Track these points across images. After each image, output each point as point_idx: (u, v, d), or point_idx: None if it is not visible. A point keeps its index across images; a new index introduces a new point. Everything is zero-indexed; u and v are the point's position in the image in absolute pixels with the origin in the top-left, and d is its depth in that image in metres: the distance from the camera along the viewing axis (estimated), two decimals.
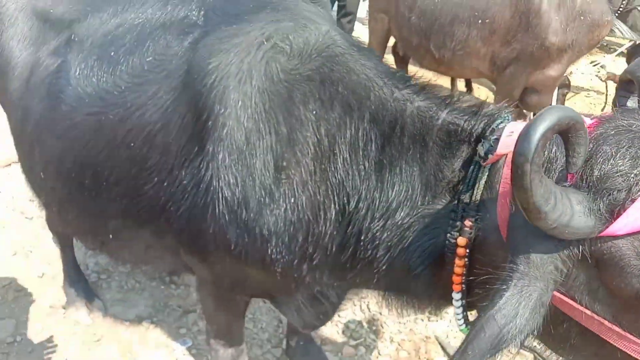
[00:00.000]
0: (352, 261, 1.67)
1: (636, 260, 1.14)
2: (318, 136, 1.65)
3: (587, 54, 4.53)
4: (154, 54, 1.93)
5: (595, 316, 1.22)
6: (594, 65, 7.71)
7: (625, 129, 1.21)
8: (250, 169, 1.71)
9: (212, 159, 1.74)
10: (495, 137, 1.39)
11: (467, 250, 1.39)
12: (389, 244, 1.54)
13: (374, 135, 1.56)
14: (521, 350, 1.33)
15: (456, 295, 1.46)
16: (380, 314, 3.34)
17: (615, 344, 1.21)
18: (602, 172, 1.17)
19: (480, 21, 4.15)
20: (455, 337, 3.21)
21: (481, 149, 1.39)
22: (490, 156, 1.36)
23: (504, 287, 1.20)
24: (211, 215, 1.80)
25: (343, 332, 3.23)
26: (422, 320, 3.31)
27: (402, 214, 1.51)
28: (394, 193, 1.53)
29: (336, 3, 6.56)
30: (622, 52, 7.67)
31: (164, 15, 2.02)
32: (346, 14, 6.53)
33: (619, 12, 4.80)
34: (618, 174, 1.15)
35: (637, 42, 6.44)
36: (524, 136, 1.03)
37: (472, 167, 1.41)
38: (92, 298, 3.30)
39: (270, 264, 1.79)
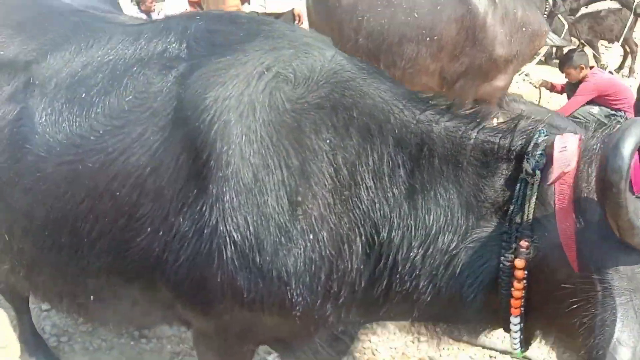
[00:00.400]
0: (385, 295, 1.56)
1: None
2: (335, 166, 1.54)
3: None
4: (133, 92, 1.76)
5: None
6: (519, 75, 8.12)
7: None
8: (262, 208, 1.57)
9: (217, 201, 1.59)
10: (539, 152, 1.34)
11: (525, 272, 1.33)
12: (433, 272, 1.46)
13: (400, 160, 1.48)
14: None
15: (514, 320, 1.39)
16: (370, 341, 3.23)
17: None
18: None
19: (428, 38, 4.22)
20: (448, 355, 3.16)
21: (527, 166, 1.34)
22: (538, 172, 1.31)
23: (604, 307, 1.13)
24: (218, 263, 1.64)
25: None
26: (413, 342, 3.24)
27: (445, 240, 1.43)
28: (431, 218, 1.45)
29: None
30: (540, 60, 8.14)
31: (138, 50, 1.85)
32: None
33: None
34: None
35: (563, 47, 6.83)
36: (615, 153, 0.99)
37: (518, 185, 1.36)
38: None
39: (290, 308, 1.65)
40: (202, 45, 1.75)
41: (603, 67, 8.62)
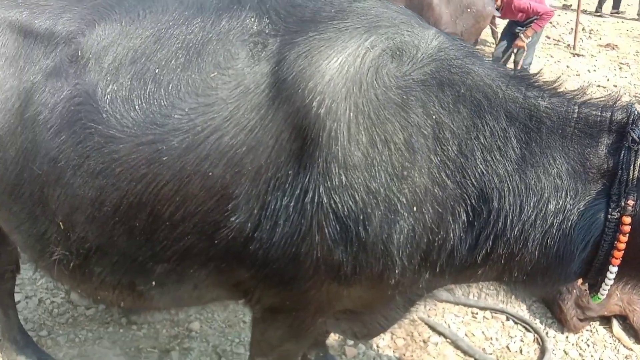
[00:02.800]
0: (486, 258, 1.69)
1: None
2: (442, 141, 1.62)
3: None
4: (218, 68, 1.70)
5: None
6: None
7: None
8: (369, 184, 1.62)
9: (323, 178, 1.61)
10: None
11: (630, 227, 1.53)
12: (544, 233, 1.60)
13: (513, 133, 1.60)
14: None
15: (613, 269, 1.59)
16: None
17: None
18: None
19: None
20: (435, 314, 3.40)
21: (634, 135, 1.53)
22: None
23: None
24: (318, 239, 1.67)
25: (337, 335, 3.20)
26: None
27: (556, 204, 1.59)
28: (542, 185, 1.59)
29: None
30: None
31: (208, 23, 1.77)
32: None
33: None
34: None
35: None
36: None
37: (623, 152, 1.54)
38: None
39: (387, 278, 1.73)
40: (289, 20, 1.72)
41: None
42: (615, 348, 3.28)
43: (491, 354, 3.15)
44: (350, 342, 3.14)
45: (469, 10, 4.40)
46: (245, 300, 2.04)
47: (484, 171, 1.63)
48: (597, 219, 1.59)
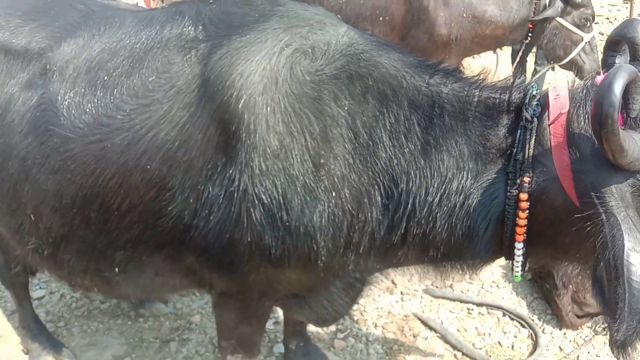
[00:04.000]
0: (403, 238, 1.77)
1: None
2: (354, 129, 1.74)
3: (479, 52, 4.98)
4: (156, 73, 1.89)
5: None
6: None
7: None
8: (288, 171, 1.75)
9: (246, 167, 1.76)
10: (535, 102, 1.59)
11: (528, 203, 1.57)
12: (449, 212, 1.68)
13: (415, 119, 1.70)
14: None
15: (519, 245, 1.63)
16: (358, 303, 3.47)
17: None
18: None
19: (381, 18, 4.46)
20: (430, 310, 3.44)
21: (527, 114, 1.58)
22: (536, 119, 1.56)
23: (608, 223, 1.38)
24: (247, 224, 1.81)
25: (328, 328, 3.31)
26: (397, 301, 3.50)
27: (459, 184, 1.66)
28: (445, 167, 1.67)
29: None
30: None
31: (153, 34, 1.98)
32: None
33: None
34: None
35: None
36: (609, 90, 1.24)
37: (519, 131, 1.60)
38: (59, 348, 3.06)
39: (315, 259, 1.85)
40: (220, 27, 1.90)
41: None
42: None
43: (481, 348, 3.15)
44: (340, 336, 3.25)
45: (464, 15, 4.40)
46: (201, 286, 2.22)
47: (392, 156, 1.73)
48: (497, 198, 1.64)
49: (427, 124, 1.70)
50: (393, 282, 3.65)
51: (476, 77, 1.73)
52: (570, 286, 3.23)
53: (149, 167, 1.85)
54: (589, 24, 4.47)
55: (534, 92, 1.64)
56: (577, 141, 1.50)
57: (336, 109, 1.75)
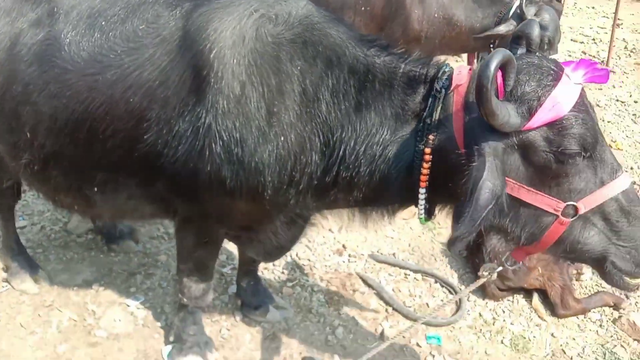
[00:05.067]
0: (334, 180, 2.16)
1: (544, 142, 1.83)
2: (303, 86, 2.12)
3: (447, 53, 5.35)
4: (146, 23, 2.27)
5: (519, 183, 1.87)
6: None
7: (531, 64, 1.88)
8: (246, 114, 2.13)
9: (212, 107, 2.14)
10: (445, 77, 1.99)
11: (431, 156, 1.97)
12: (371, 160, 2.07)
13: (352, 82, 2.08)
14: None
15: (422, 190, 2.02)
16: (309, 260, 3.87)
17: (530, 201, 1.88)
18: (522, 89, 1.83)
19: (362, 8, 4.86)
20: (372, 272, 3.84)
21: (437, 86, 1.98)
22: (444, 90, 1.96)
23: (477, 164, 1.78)
24: (208, 156, 2.19)
25: (279, 277, 3.70)
26: (344, 262, 3.90)
27: (380, 136, 2.05)
28: (371, 123, 2.06)
29: None
30: None
31: None
32: None
33: None
34: (531, 90, 1.82)
35: None
36: (485, 67, 1.64)
37: (430, 99, 1.99)
38: (36, 269, 3.42)
39: (263, 192, 2.23)
40: None
41: None
42: (529, 317, 3.62)
43: (410, 307, 3.56)
44: (289, 284, 3.64)
45: (436, 15, 4.78)
46: (167, 213, 2.60)
47: (331, 110, 2.11)
48: (407, 150, 2.04)
49: (361, 87, 2.09)
50: (343, 245, 4.05)
51: (404, 53, 2.12)
52: (495, 261, 3.64)
53: (132, 100, 2.22)
54: (547, 47, 4.47)
55: (446, 69, 2.04)
56: (470, 108, 1.90)
57: (291, 67, 2.13)
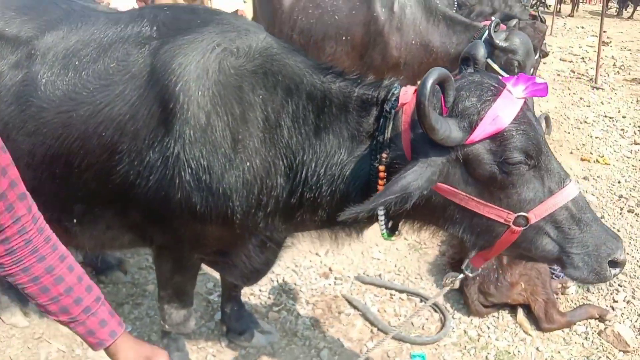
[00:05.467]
0: (299, 201, 2.24)
1: (487, 154, 1.92)
2: (265, 113, 2.22)
3: None
4: (116, 61, 2.38)
5: (468, 195, 1.95)
6: None
7: (472, 81, 1.98)
8: (212, 142, 2.23)
9: (179, 137, 2.24)
10: (394, 98, 2.09)
11: (385, 173, 2.06)
12: (331, 180, 2.15)
13: (310, 108, 2.19)
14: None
15: (380, 207, 2.10)
16: (295, 284, 3.93)
17: (481, 212, 1.96)
18: (463, 105, 1.93)
19: (344, 38, 5.03)
20: (357, 293, 3.89)
21: (387, 107, 2.08)
22: (393, 110, 2.06)
23: (407, 167, 1.88)
24: (178, 184, 2.28)
25: (265, 302, 3.76)
26: (330, 284, 3.95)
27: (338, 158, 2.14)
28: (330, 145, 2.16)
29: None
30: None
31: (119, 31, 2.47)
32: None
33: None
34: (472, 105, 1.92)
35: None
36: (422, 86, 1.74)
37: (382, 119, 2.09)
38: (26, 302, 3.48)
39: (232, 216, 2.31)
40: (170, 28, 2.40)
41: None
42: (514, 332, 3.65)
43: (395, 326, 3.60)
44: (275, 309, 3.69)
45: (413, 42, 4.94)
46: (145, 240, 2.68)
47: (292, 135, 2.21)
48: (364, 169, 2.13)
49: (319, 111, 2.20)
50: (330, 268, 4.12)
51: (358, 78, 2.23)
52: (477, 277, 3.70)
53: (104, 134, 2.33)
54: (517, 70, 4.58)
55: (395, 91, 2.14)
56: (415, 125, 1.99)
57: (253, 97, 2.24)
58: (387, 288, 3.94)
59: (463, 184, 1.99)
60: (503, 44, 4.43)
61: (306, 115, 2.21)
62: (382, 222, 2.16)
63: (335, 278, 4.02)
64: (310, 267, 4.12)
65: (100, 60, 2.41)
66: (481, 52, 2.20)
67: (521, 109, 1.98)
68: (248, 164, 2.25)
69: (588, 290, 4.12)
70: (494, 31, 4.43)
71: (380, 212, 2.13)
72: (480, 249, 2.17)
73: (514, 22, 4.73)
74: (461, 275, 2.39)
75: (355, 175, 2.15)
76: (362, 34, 5.01)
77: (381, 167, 2.07)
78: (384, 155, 2.07)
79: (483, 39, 4.53)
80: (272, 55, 2.28)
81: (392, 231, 2.26)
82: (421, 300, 3.85)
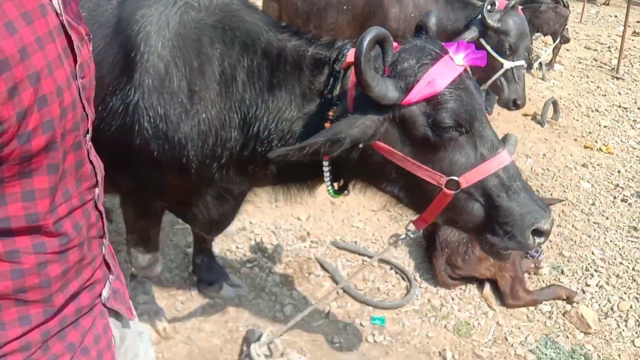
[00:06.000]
0: (252, 155, 2.34)
1: (421, 116, 1.99)
2: (222, 67, 2.32)
3: None
4: (87, 10, 2.50)
5: (404, 156, 2.03)
6: None
7: (415, 46, 2.06)
8: (170, 92, 2.34)
9: (139, 86, 2.35)
10: (345, 59, 2.16)
11: None
12: (281, 135, 2.25)
13: (265, 64, 2.27)
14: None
15: (325, 164, 2.18)
16: (272, 244, 4.06)
17: (415, 173, 2.04)
18: (402, 66, 1.99)
19: (345, 7, 5.05)
20: (330, 257, 4.00)
21: (337, 66, 2.16)
22: (342, 70, 2.13)
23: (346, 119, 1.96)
24: (137, 131, 2.40)
25: (241, 258, 3.90)
26: (305, 247, 4.07)
27: (288, 114, 2.23)
28: (282, 101, 2.24)
29: None
30: None
31: None
32: None
33: None
34: (410, 67, 1.99)
35: None
36: (359, 44, 1.82)
37: (332, 78, 2.17)
38: None
39: (187, 165, 2.42)
40: None
41: (535, 58, 9.59)
42: (478, 306, 3.72)
43: (361, 290, 3.71)
44: (248, 265, 3.83)
45: (412, 15, 4.92)
46: (114, 187, 2.82)
47: (247, 89, 2.30)
48: (312, 125, 2.21)
49: (273, 68, 2.28)
50: (308, 232, 4.23)
51: (312, 37, 2.30)
52: (446, 250, 3.76)
53: None
54: (509, 52, 4.51)
55: (346, 52, 2.21)
56: (357, 83, 2.06)
57: (211, 50, 2.33)
58: (359, 254, 4.03)
59: (400, 144, 2.06)
60: (495, 24, 4.40)
61: (260, 71, 2.29)
62: (327, 178, 2.24)
63: (312, 242, 4.13)
64: (290, 229, 4.23)
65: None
66: (432, 20, 2.25)
67: (459, 75, 2.03)
68: (204, 115, 2.35)
69: (562, 272, 4.15)
70: (488, 11, 4.39)
71: (326, 169, 2.22)
72: (416, 211, 2.26)
73: (512, 2, 4.66)
74: (403, 236, 2.47)
75: (304, 130, 2.23)
76: (362, 4, 5.02)
77: (327, 125, 2.14)
78: (331, 112, 2.14)
79: (477, 20, 4.51)
80: (232, 11, 2.36)
81: (341, 190, 2.35)
82: (391, 268, 3.94)
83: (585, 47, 11.65)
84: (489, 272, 3.78)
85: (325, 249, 4.08)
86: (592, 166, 6.00)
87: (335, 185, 2.34)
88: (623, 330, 3.63)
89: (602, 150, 6.42)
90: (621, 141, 6.81)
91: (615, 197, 5.36)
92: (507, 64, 4.55)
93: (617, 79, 9.85)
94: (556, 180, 5.63)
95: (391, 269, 3.94)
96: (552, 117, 7.18)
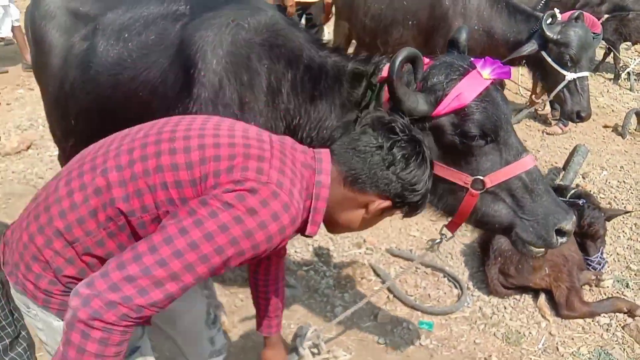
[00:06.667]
0: None
1: (450, 126, 2.16)
2: (268, 81, 2.57)
3: None
4: (155, 34, 2.85)
5: (434, 160, 2.17)
6: None
7: (444, 62, 2.21)
8: (223, 103, 2.62)
9: (197, 98, 2.65)
10: (380, 73, 2.35)
11: None
12: (322, 141, 2.47)
13: (307, 78, 2.51)
14: None
15: None
16: (328, 249, 4.25)
17: (443, 175, 2.21)
18: (432, 81, 2.16)
19: (410, 22, 5.19)
20: (384, 264, 4.13)
21: (373, 81, 2.36)
22: (378, 84, 2.33)
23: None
24: None
25: (298, 262, 4.13)
26: (360, 253, 4.23)
27: (329, 123, 2.46)
28: (323, 111, 2.47)
29: (304, 16, 7.65)
30: None
31: (161, 9, 2.94)
32: (313, 26, 7.62)
33: None
34: (439, 82, 2.15)
35: None
36: (392, 63, 2.03)
37: (369, 91, 2.37)
38: None
39: None
40: (199, 7, 2.82)
41: (623, 68, 9.20)
42: (531, 316, 3.69)
43: (412, 296, 3.80)
44: (305, 268, 4.04)
45: (476, 27, 4.91)
46: None
47: (291, 100, 2.54)
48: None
49: (315, 82, 2.51)
50: (364, 240, 4.38)
51: (351, 54, 2.51)
52: (499, 258, 3.78)
53: (141, 94, 2.81)
54: (571, 64, 4.49)
55: (382, 67, 2.39)
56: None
57: (259, 66, 2.60)
58: (413, 261, 4.12)
59: (430, 150, 2.21)
60: (555, 36, 4.37)
61: (303, 84, 2.53)
62: None
63: (367, 249, 4.28)
64: (346, 236, 4.41)
65: (144, 33, 2.89)
66: (463, 36, 2.40)
67: (486, 88, 2.16)
68: (253, 123, 2.61)
69: (627, 286, 4.02)
70: (548, 24, 4.38)
71: None
72: (448, 214, 2.38)
73: (575, 14, 4.59)
74: (439, 240, 2.62)
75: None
76: (427, 18, 5.14)
77: None
78: None
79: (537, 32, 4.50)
80: (278, 31, 2.62)
81: None
82: (444, 276, 4.00)
83: None
84: (544, 282, 3.75)
85: (379, 256, 4.22)
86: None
87: None
88: None
89: None
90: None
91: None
92: (569, 76, 4.51)
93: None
94: (632, 193, 5.42)
95: (444, 276, 4.00)
96: (635, 129, 6.89)
